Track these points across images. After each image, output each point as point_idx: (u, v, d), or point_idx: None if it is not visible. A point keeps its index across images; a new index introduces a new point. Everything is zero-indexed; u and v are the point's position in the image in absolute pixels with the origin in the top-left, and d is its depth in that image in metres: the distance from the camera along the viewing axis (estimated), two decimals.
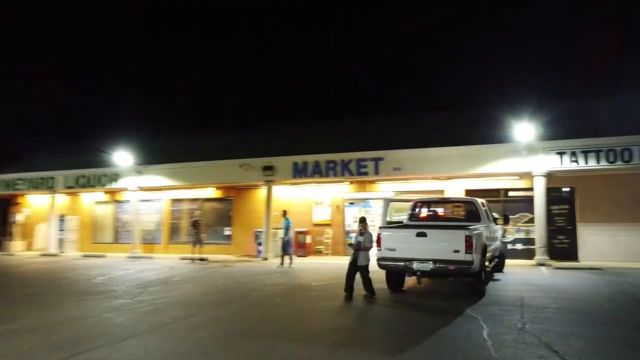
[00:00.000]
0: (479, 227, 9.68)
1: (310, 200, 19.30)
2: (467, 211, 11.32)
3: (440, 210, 12.57)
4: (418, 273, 9.43)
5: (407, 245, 9.51)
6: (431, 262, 9.13)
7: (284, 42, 70.69)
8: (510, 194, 16.73)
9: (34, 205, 24.60)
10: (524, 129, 14.50)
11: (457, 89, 52.39)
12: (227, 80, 64.32)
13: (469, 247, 8.82)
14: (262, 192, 19.72)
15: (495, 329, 6.83)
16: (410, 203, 12.44)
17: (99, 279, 12.96)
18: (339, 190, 18.91)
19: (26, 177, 22.42)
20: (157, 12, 70.51)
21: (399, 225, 10.48)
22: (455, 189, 17.11)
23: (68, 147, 26.79)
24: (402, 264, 9.44)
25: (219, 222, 20.87)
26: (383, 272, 10.15)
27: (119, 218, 22.76)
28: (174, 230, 21.61)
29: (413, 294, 10.32)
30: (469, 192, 16.83)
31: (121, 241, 22.33)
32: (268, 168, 17.92)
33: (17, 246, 23.28)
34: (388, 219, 16.65)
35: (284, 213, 15.68)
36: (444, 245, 9.11)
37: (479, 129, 16.41)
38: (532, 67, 50.27)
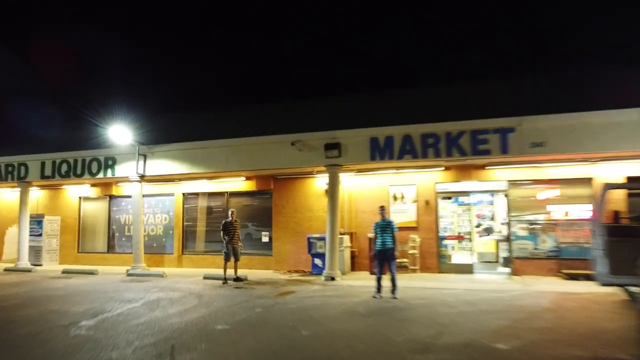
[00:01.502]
0: None
1: (385, 193, 13.76)
2: None
3: None
4: None
5: None
6: None
7: None
8: None
9: (2, 201, 18.89)
10: None
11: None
12: (271, 43, 50.50)
13: None
14: (316, 182, 14.23)
15: None
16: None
17: (84, 325, 7.34)
18: (427, 178, 13.41)
19: None
20: None
21: None
22: (609, 175, 11.63)
23: (48, 122, 20.77)
24: None
25: (252, 224, 15.32)
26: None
27: (115, 219, 17.10)
28: (189, 236, 16.00)
29: None
30: (632, 180, 11.45)
31: (118, 250, 16.75)
32: (332, 146, 12.36)
33: None
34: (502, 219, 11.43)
35: (382, 210, 10.17)
36: None
37: None
38: None
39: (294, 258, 14.27)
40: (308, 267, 13.58)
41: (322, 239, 12.93)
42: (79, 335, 6.83)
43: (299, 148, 12.63)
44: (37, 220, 16.88)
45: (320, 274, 12.60)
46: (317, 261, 13.26)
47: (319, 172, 13.62)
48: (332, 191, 12.58)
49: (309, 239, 13.47)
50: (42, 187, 17.56)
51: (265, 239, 14.96)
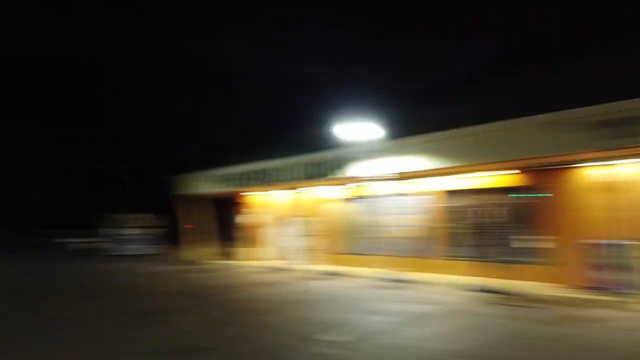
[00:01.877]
0: None
1: None
2: None
3: None
4: None
5: None
6: None
7: None
8: None
9: (263, 204, 20.43)
10: None
11: None
12: None
13: None
14: (601, 172, 10.84)
15: None
16: None
17: (325, 340, 6.34)
18: None
19: (244, 170, 18.19)
20: None
21: None
22: None
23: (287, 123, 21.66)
24: None
25: (515, 226, 12.64)
26: None
27: (367, 220, 16.42)
28: (443, 239, 14.17)
29: None
30: None
31: (369, 252, 15.89)
32: (621, 122, 9.00)
33: (241, 254, 19.38)
34: None
35: None
36: None
37: None
38: None
39: (575, 270, 11.03)
40: (593, 282, 10.30)
41: (619, 245, 9.61)
42: (316, 354, 5.75)
43: (559, 130, 9.65)
44: (295, 222, 17.67)
45: (619, 292, 9.32)
46: (614, 275, 9.93)
47: (601, 159, 10.25)
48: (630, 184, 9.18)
49: (598, 245, 10.21)
50: (291, 189, 18.22)
51: (533, 245, 12.11)
